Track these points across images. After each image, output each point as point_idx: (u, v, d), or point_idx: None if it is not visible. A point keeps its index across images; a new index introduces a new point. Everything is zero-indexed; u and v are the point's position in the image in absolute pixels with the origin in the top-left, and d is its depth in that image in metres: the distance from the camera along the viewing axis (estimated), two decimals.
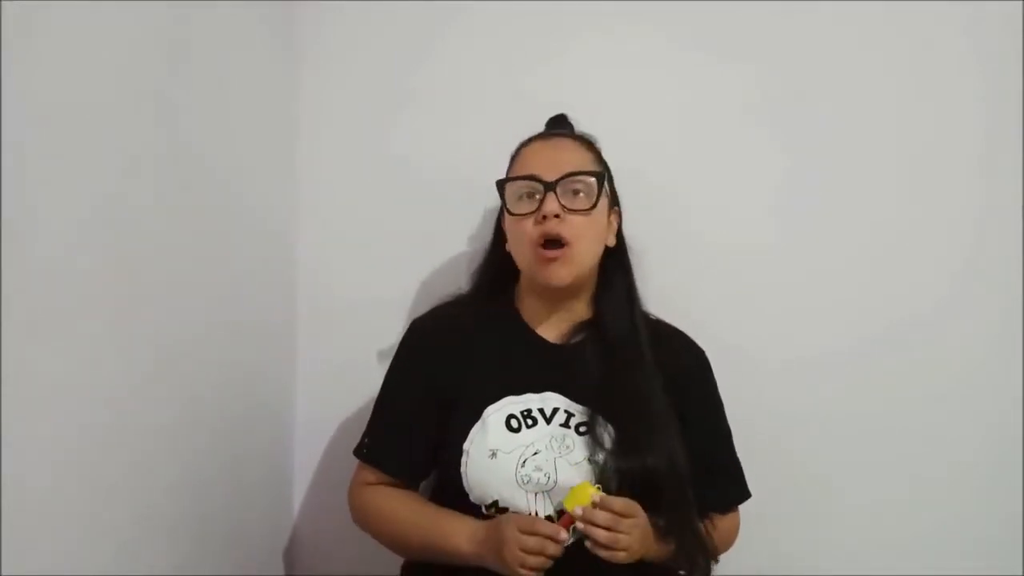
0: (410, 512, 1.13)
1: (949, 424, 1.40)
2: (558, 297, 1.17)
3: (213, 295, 1.19)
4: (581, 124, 1.25)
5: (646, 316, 1.22)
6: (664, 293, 1.27)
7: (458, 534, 1.06)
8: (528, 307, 1.20)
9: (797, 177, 1.43)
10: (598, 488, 1.03)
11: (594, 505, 1.00)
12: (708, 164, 1.44)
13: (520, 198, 1.13)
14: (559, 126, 1.24)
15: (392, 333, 1.24)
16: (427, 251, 1.46)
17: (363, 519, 1.19)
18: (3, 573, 0.75)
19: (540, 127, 1.25)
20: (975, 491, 1.40)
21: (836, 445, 1.41)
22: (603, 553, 0.99)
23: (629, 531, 0.99)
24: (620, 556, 0.99)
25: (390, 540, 1.16)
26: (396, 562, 1.20)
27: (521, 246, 1.13)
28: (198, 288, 1.14)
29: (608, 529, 0.99)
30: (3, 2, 0.75)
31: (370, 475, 1.18)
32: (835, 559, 1.40)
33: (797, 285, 1.43)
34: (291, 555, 1.47)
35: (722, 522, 1.19)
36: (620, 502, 1.01)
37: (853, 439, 1.41)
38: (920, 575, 1.38)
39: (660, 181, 1.42)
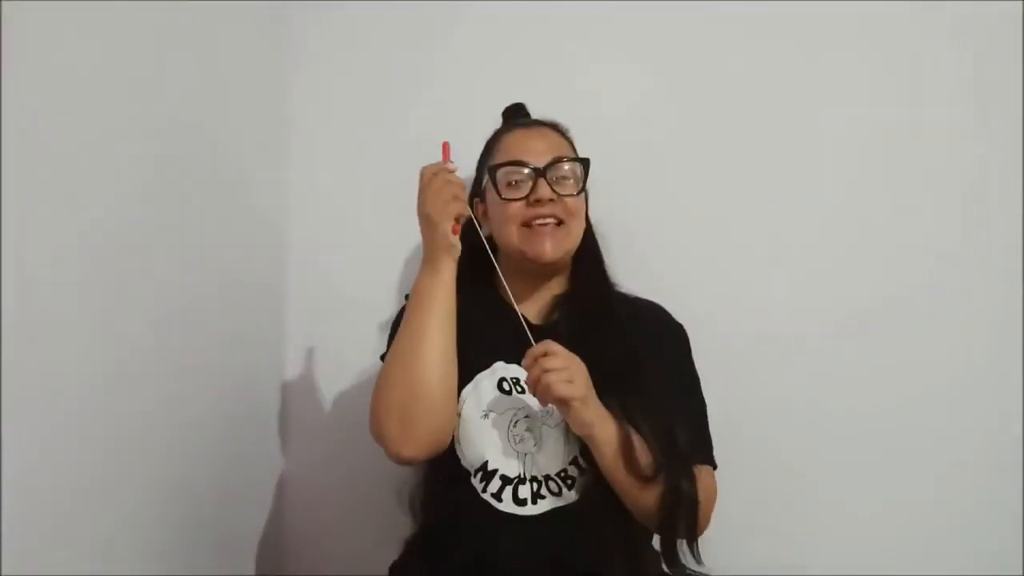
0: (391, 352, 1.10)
1: (948, 423, 1.40)
2: (541, 276, 1.19)
3: (206, 296, 1.19)
4: (573, 118, 1.24)
5: (623, 294, 1.23)
6: (655, 288, 1.26)
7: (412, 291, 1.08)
8: (510, 289, 1.18)
9: (797, 174, 1.43)
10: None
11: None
12: (707, 162, 1.44)
13: (508, 184, 1.15)
14: (520, 114, 1.27)
15: (385, 334, 1.24)
16: (421, 252, 1.45)
17: (371, 407, 1.09)
18: (3, 573, 0.75)
19: None
20: (975, 491, 1.40)
21: (835, 444, 1.41)
22: (551, 394, 0.98)
23: (559, 365, 0.99)
24: (560, 389, 0.98)
25: (388, 392, 1.07)
26: (387, 561, 1.19)
27: (509, 226, 1.15)
28: (191, 289, 1.14)
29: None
30: (3, 2, 0.75)
31: None
32: (834, 559, 1.40)
33: (797, 284, 1.42)
34: (283, 556, 1.47)
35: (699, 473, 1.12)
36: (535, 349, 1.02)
37: (852, 438, 1.40)
38: (919, 575, 1.38)
39: (658, 179, 1.42)
